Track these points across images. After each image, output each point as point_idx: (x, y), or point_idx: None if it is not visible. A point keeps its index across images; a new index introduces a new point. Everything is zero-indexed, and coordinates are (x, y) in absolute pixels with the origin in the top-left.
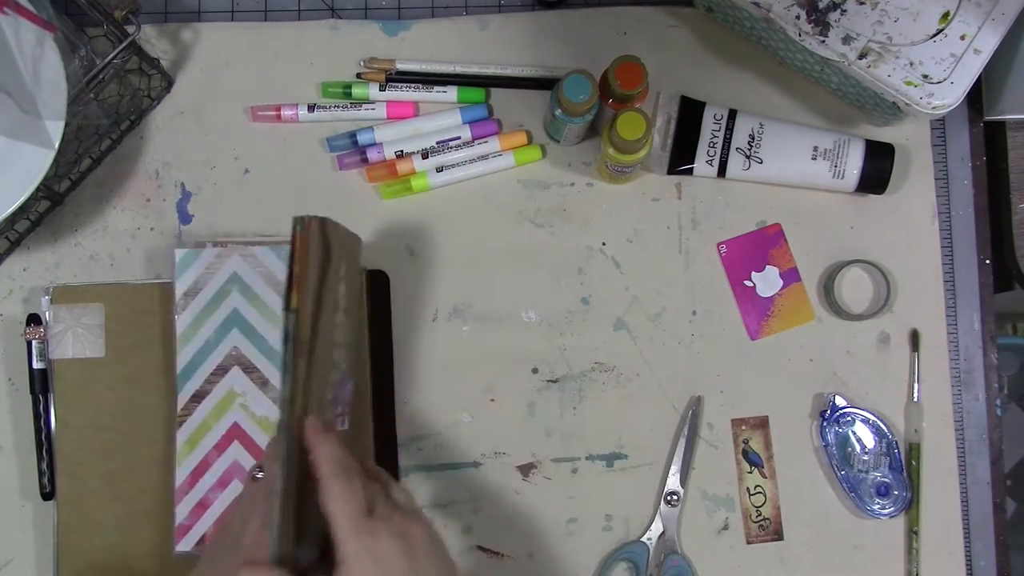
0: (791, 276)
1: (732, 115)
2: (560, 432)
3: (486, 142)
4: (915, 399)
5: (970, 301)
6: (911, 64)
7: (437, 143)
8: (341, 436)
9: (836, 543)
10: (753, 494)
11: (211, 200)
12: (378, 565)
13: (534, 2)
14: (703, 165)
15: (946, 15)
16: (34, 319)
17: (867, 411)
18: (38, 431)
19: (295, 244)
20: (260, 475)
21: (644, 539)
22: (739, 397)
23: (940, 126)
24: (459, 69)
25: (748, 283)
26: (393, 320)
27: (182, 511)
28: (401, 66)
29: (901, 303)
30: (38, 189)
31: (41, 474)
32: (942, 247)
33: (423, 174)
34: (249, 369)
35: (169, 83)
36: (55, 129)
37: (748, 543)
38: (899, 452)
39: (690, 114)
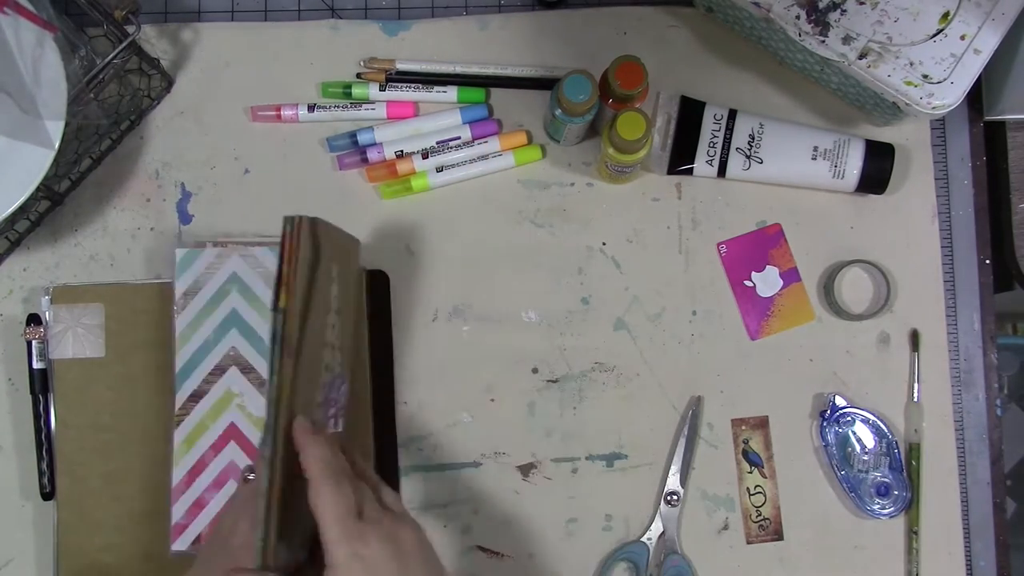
0: (791, 276)
1: (732, 115)
2: (560, 432)
3: (486, 142)
4: (915, 399)
5: (970, 301)
6: (911, 64)
7: (437, 143)
8: (334, 438)
9: (836, 543)
10: (753, 494)
11: (211, 200)
12: (368, 570)
13: (534, 2)
14: (703, 165)
15: (946, 15)
16: (34, 319)
17: (867, 411)
18: (38, 431)
19: (284, 244)
20: (252, 477)
21: (644, 539)
22: (739, 397)
23: (940, 126)
24: (459, 69)
25: (748, 283)
26: (393, 320)
27: (178, 510)
28: (401, 66)
29: (901, 303)
30: (38, 189)
31: (41, 474)
32: (942, 247)
33: (423, 174)
34: (247, 370)
35: (169, 83)
36: (55, 129)
37: (748, 543)
38: (899, 452)
39: (690, 114)
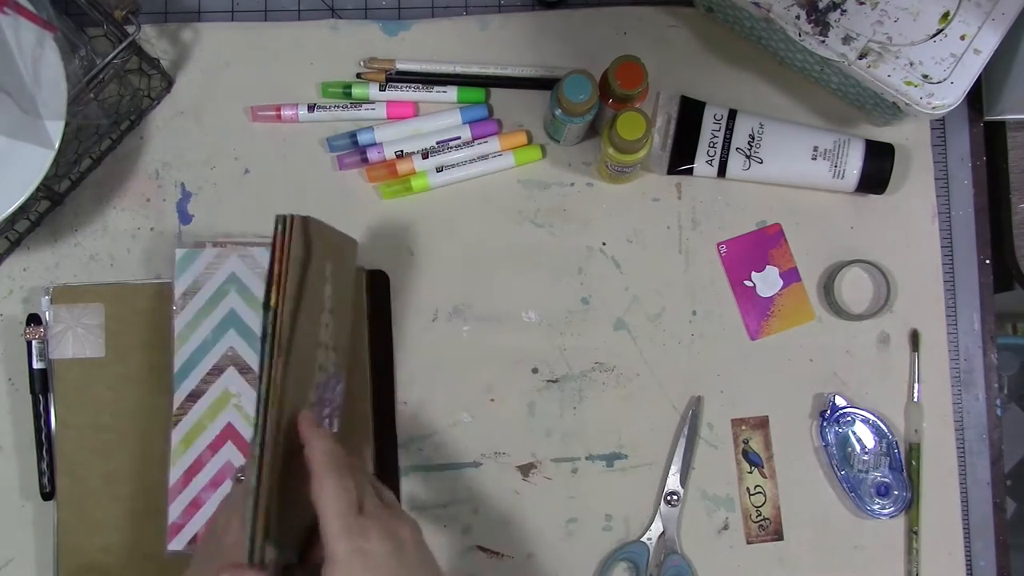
0: (791, 276)
1: (732, 115)
2: (560, 432)
3: (486, 142)
4: (915, 399)
5: (970, 301)
6: (911, 64)
7: (437, 143)
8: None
9: (836, 543)
10: (753, 494)
11: (211, 200)
12: (368, 565)
13: (534, 2)
14: (703, 165)
15: (946, 15)
16: (34, 319)
17: (867, 411)
18: (38, 431)
19: (276, 243)
20: (243, 477)
21: (644, 539)
22: (739, 397)
23: (940, 126)
24: (459, 69)
25: (748, 283)
26: (393, 320)
27: (175, 510)
28: (401, 66)
29: (901, 303)
30: (38, 189)
31: (41, 474)
32: (942, 247)
33: (423, 174)
34: (244, 370)
35: (169, 83)
36: (55, 129)
37: (748, 543)
38: (899, 452)
39: (690, 114)
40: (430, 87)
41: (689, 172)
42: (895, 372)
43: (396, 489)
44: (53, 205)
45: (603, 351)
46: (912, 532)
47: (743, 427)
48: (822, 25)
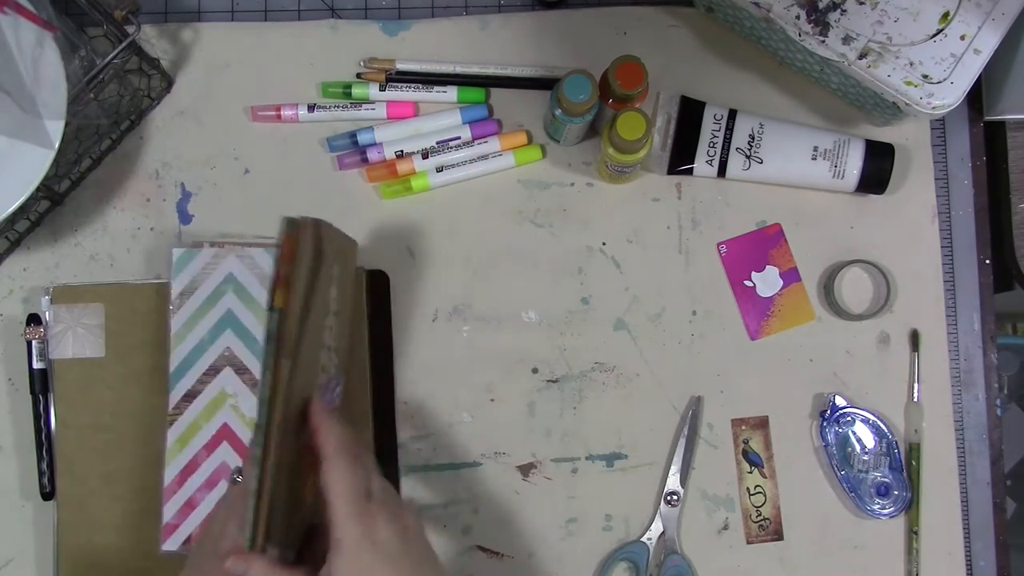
0: (791, 276)
1: (732, 115)
2: (560, 432)
3: (486, 142)
4: (915, 399)
5: (970, 301)
6: (911, 64)
7: (437, 143)
8: None
9: (836, 543)
10: (753, 494)
11: (211, 200)
12: (376, 548)
13: (534, 2)
14: (703, 165)
15: (946, 15)
16: (34, 319)
17: (867, 411)
18: (38, 431)
19: (284, 244)
20: (240, 479)
21: (644, 539)
22: (739, 397)
23: (940, 126)
24: (459, 69)
25: (748, 283)
26: (393, 320)
27: (169, 510)
28: (401, 66)
29: (901, 303)
30: (38, 189)
31: (41, 474)
32: (942, 247)
33: (423, 174)
34: (241, 370)
35: (169, 83)
36: (55, 129)
37: (748, 543)
38: (899, 452)
39: (690, 114)
40: (430, 87)
41: (689, 172)
42: (895, 372)
43: (396, 489)
44: (53, 205)
45: (603, 351)
46: (912, 532)
47: (743, 427)
48: (822, 25)
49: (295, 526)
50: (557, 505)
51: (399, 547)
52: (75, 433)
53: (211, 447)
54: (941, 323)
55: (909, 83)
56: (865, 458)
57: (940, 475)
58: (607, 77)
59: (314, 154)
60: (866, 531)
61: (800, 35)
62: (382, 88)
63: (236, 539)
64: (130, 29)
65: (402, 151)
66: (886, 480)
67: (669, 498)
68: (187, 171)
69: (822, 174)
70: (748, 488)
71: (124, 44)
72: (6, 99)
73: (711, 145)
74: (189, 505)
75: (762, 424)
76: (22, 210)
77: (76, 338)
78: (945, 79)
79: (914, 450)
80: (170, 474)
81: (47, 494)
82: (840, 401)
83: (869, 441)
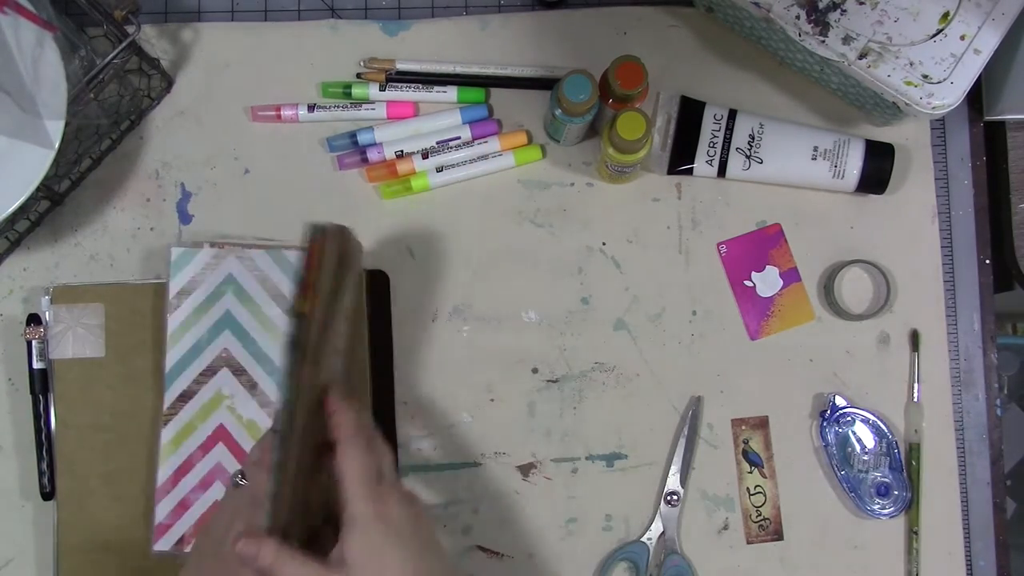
0: (791, 276)
1: (732, 115)
2: (560, 432)
3: (486, 142)
4: (915, 399)
5: (970, 301)
6: (911, 64)
7: (437, 143)
8: None
9: (836, 543)
10: (753, 494)
11: (211, 200)
12: (389, 526)
13: (534, 2)
14: (703, 165)
15: (946, 15)
16: (34, 319)
17: (867, 411)
18: (38, 431)
19: (312, 250)
20: (245, 482)
21: (644, 539)
22: (739, 397)
23: (940, 126)
24: (459, 69)
25: (748, 283)
26: (393, 320)
27: (162, 510)
28: (401, 66)
29: (901, 303)
30: (38, 189)
31: (41, 474)
32: (942, 247)
33: (423, 174)
34: (239, 372)
35: (169, 83)
36: (55, 129)
37: (748, 543)
38: (899, 452)
39: (690, 114)
40: (430, 87)
41: (689, 172)
42: (895, 372)
43: None
44: (53, 205)
45: (603, 351)
46: (912, 532)
47: (743, 427)
48: (822, 25)
49: (311, 521)
50: (557, 505)
51: (410, 527)
52: (75, 433)
53: (206, 448)
54: (941, 323)
55: (909, 83)
56: (865, 458)
57: (940, 475)
58: (607, 77)
59: (314, 154)
60: (866, 531)
61: (800, 35)
62: (382, 88)
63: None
64: (130, 29)
65: (402, 151)
66: (886, 480)
67: (669, 498)
68: (187, 171)
69: (822, 174)
70: (748, 488)
71: (124, 44)
72: (6, 99)
73: (711, 145)
74: (182, 506)
75: (762, 424)
76: (22, 210)
77: (76, 338)
78: (945, 79)
79: (914, 450)
80: (163, 474)
81: (47, 494)
82: (840, 401)
83: (869, 441)
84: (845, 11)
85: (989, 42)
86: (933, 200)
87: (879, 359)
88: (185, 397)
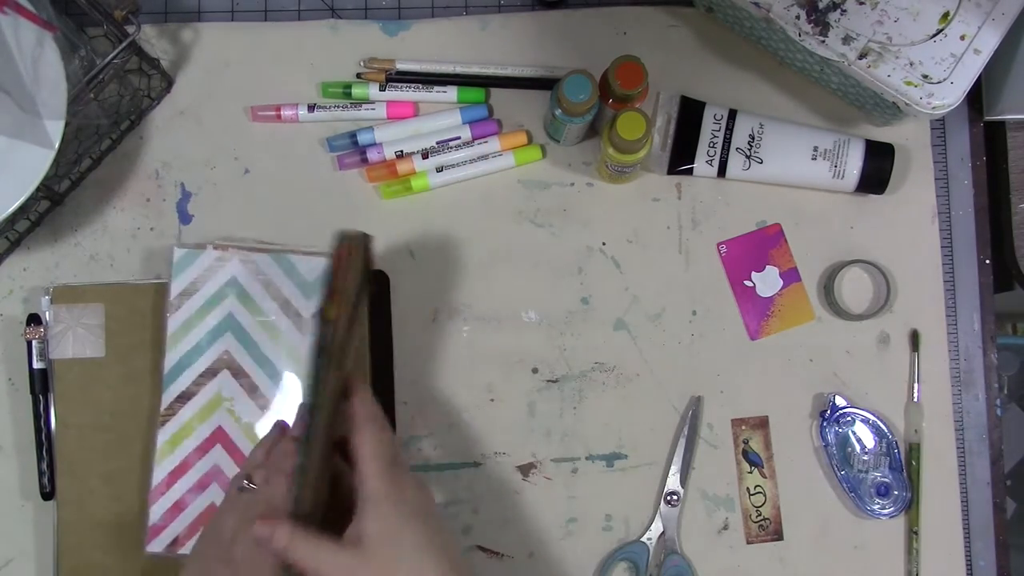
0: (791, 276)
1: (732, 115)
2: (560, 432)
3: (486, 142)
4: (915, 399)
5: (970, 301)
6: (911, 64)
7: (437, 143)
8: None
9: (836, 543)
10: (753, 494)
11: (211, 200)
12: (404, 505)
13: (534, 2)
14: (703, 165)
15: (946, 15)
16: (34, 319)
17: (867, 411)
18: (38, 431)
19: (339, 257)
20: (252, 486)
21: (644, 539)
22: (739, 397)
23: (940, 126)
24: (459, 69)
25: (748, 283)
26: (393, 320)
27: (156, 512)
28: (401, 66)
29: (901, 303)
30: (38, 189)
31: (41, 474)
32: (942, 247)
33: (423, 174)
34: (239, 374)
35: (169, 83)
36: (55, 129)
37: (748, 543)
38: (899, 452)
39: (690, 114)
40: (430, 87)
41: (689, 172)
42: (895, 372)
43: None
44: (53, 205)
45: (603, 351)
46: (912, 532)
47: (743, 427)
48: (822, 25)
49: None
50: (557, 505)
51: (425, 507)
52: (75, 433)
53: (204, 449)
54: (941, 323)
55: (909, 83)
56: (865, 458)
57: (940, 475)
58: (607, 77)
59: (314, 154)
60: (866, 531)
61: (800, 35)
62: (382, 88)
63: (248, 548)
64: (130, 29)
65: (402, 151)
66: (886, 480)
67: (669, 498)
68: (187, 171)
69: (822, 174)
70: (748, 488)
71: (124, 44)
72: (6, 99)
73: (711, 145)
74: (177, 507)
75: (762, 424)
76: (22, 210)
77: (76, 338)
78: (945, 79)
79: (914, 450)
80: (158, 475)
81: (47, 494)
82: (840, 401)
83: (869, 441)
84: (845, 11)
85: (989, 42)
86: (933, 200)
87: (879, 359)
88: (184, 398)
